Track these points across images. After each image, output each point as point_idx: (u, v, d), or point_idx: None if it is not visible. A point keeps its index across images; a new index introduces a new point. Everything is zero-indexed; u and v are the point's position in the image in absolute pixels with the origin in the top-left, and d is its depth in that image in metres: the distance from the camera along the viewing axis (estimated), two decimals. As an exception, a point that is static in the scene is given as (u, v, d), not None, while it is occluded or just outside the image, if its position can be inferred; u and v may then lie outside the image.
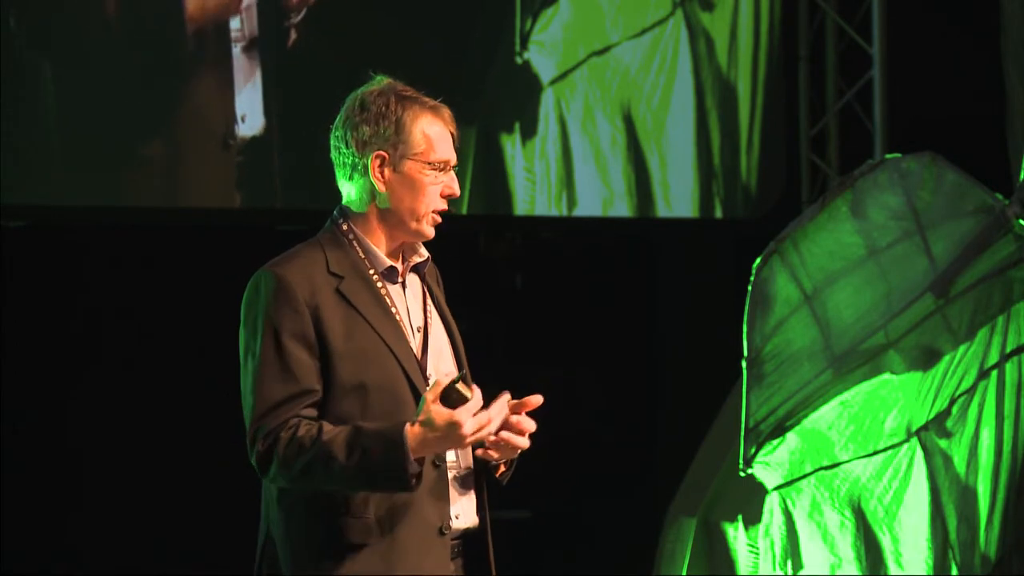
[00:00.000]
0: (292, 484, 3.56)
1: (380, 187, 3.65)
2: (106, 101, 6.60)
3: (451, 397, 3.47)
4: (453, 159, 3.68)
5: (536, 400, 3.65)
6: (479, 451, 3.67)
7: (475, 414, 3.48)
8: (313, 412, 3.56)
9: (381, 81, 3.70)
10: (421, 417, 3.47)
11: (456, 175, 3.70)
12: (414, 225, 3.67)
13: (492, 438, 3.62)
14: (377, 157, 3.64)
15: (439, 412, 3.47)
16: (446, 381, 3.48)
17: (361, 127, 3.66)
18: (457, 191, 3.68)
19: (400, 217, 3.66)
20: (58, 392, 7.11)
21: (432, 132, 3.65)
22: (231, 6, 6.77)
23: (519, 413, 3.64)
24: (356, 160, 3.66)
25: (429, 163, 3.65)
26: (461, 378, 3.49)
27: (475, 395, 3.50)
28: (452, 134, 3.69)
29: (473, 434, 3.49)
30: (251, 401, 3.56)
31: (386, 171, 3.65)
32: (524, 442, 3.65)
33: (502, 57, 7.45)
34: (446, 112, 3.69)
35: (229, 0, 6.77)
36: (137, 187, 6.73)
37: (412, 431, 3.47)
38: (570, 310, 8.25)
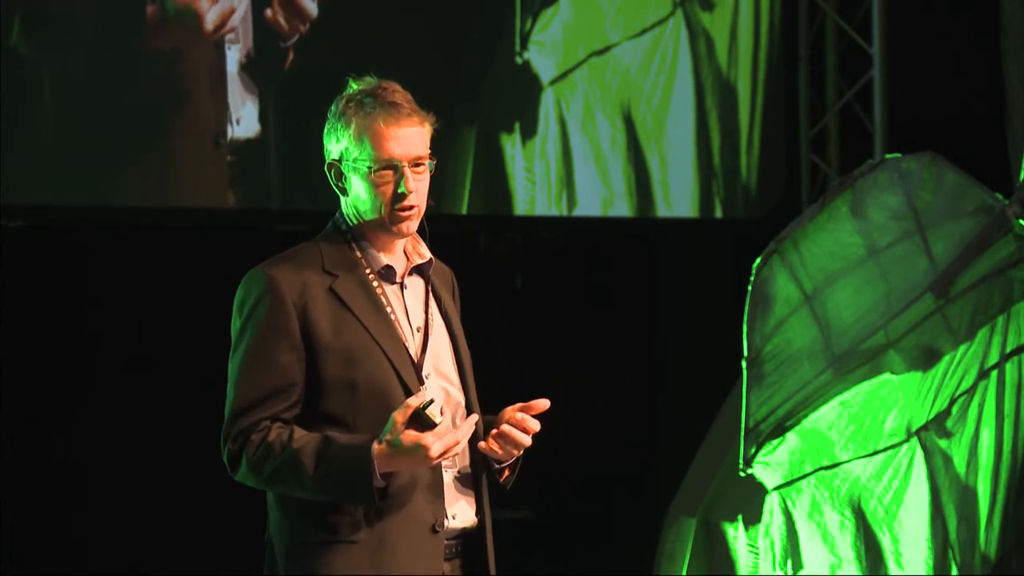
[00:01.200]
0: (261, 487, 3.59)
1: (341, 195, 3.68)
2: (105, 101, 6.60)
3: (420, 420, 3.49)
4: (406, 155, 3.62)
5: (542, 404, 3.66)
6: (481, 444, 3.68)
7: (442, 437, 3.49)
8: (290, 414, 3.56)
9: (350, 87, 3.70)
10: (388, 437, 3.48)
11: (415, 168, 3.62)
12: (379, 225, 3.66)
13: (494, 431, 3.66)
14: (331, 168, 3.68)
15: (407, 434, 3.48)
16: (416, 403, 3.48)
17: (324, 140, 3.70)
18: (409, 187, 3.61)
19: (369, 220, 3.67)
20: (57, 391, 7.11)
21: (371, 132, 3.62)
22: (227, 8, 6.78)
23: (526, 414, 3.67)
24: (327, 172, 3.70)
25: (371, 165, 3.62)
26: (431, 403, 3.49)
27: (444, 418, 3.52)
28: (410, 130, 3.63)
29: (439, 456, 3.50)
30: (229, 399, 3.58)
31: (342, 181, 3.67)
32: (526, 439, 3.66)
33: (502, 57, 7.44)
34: (400, 109, 3.63)
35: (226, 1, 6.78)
36: (137, 187, 6.73)
37: (379, 448, 3.48)
38: (570, 310, 8.25)
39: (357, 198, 3.66)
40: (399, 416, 3.48)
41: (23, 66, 6.44)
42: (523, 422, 3.65)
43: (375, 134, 3.62)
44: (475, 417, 3.63)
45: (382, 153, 3.62)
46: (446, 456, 3.52)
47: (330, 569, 3.55)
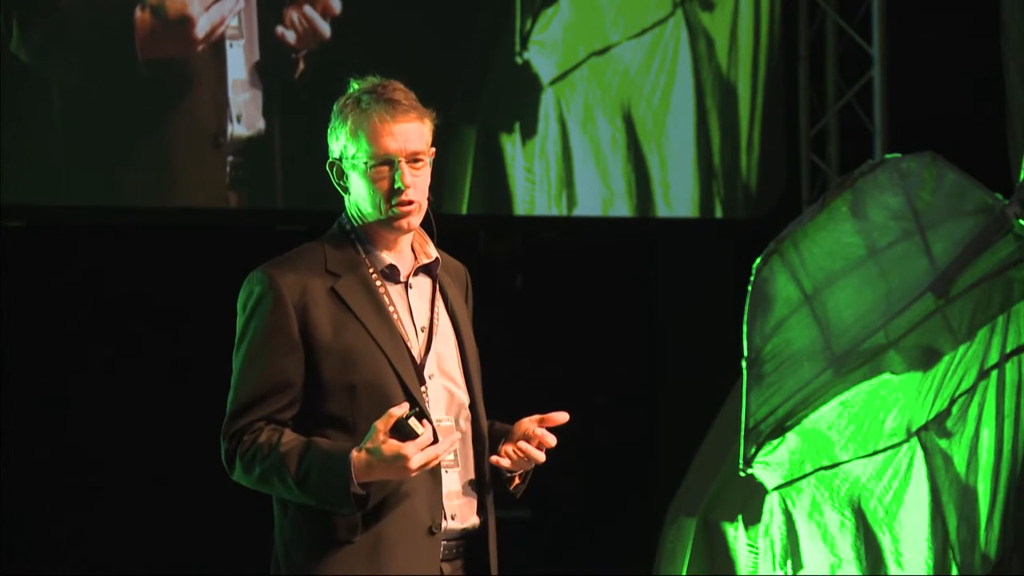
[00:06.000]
0: (253, 488, 3.61)
1: (344, 194, 3.70)
2: (106, 101, 6.60)
3: (403, 430, 3.48)
4: (402, 150, 3.62)
5: (561, 417, 3.67)
6: (492, 459, 3.68)
7: (423, 448, 3.48)
8: (287, 414, 3.58)
9: (351, 87, 3.71)
10: (369, 445, 3.49)
11: (412, 163, 3.63)
12: (381, 221, 3.67)
13: (511, 448, 3.65)
14: (332, 166, 3.70)
15: (388, 444, 3.48)
16: (398, 413, 3.48)
17: (328, 140, 3.71)
18: (406, 181, 3.62)
19: (372, 218, 3.67)
20: (57, 392, 7.12)
21: (367, 128, 3.63)
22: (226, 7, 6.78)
23: (542, 427, 3.67)
24: (328, 171, 3.72)
25: (367, 161, 3.63)
26: (414, 414, 3.49)
27: (426, 431, 3.50)
28: (407, 125, 3.63)
29: (419, 468, 3.49)
30: (229, 399, 3.61)
31: (343, 179, 3.68)
32: (540, 456, 3.67)
33: (502, 57, 7.44)
34: (398, 105, 3.63)
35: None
36: (137, 187, 6.74)
37: (358, 456, 3.49)
38: (570, 310, 8.25)
39: (358, 195, 3.67)
40: (381, 425, 3.48)
41: (23, 66, 6.44)
42: (542, 438, 3.66)
43: (371, 130, 3.63)
44: (458, 435, 3.61)
45: (378, 149, 3.63)
46: (426, 467, 3.51)
47: (327, 570, 3.56)
